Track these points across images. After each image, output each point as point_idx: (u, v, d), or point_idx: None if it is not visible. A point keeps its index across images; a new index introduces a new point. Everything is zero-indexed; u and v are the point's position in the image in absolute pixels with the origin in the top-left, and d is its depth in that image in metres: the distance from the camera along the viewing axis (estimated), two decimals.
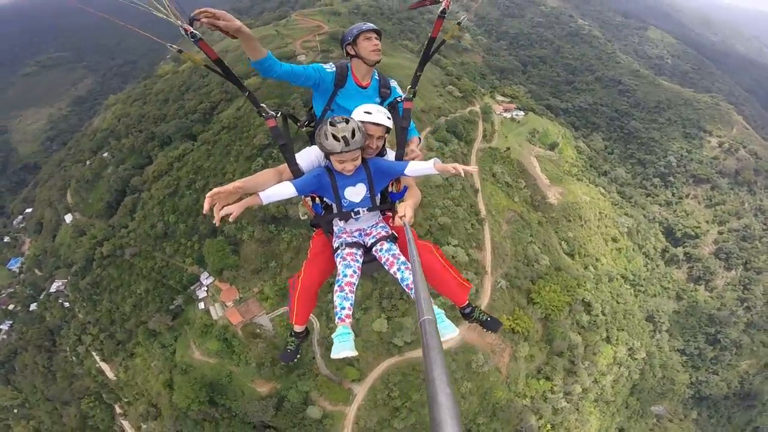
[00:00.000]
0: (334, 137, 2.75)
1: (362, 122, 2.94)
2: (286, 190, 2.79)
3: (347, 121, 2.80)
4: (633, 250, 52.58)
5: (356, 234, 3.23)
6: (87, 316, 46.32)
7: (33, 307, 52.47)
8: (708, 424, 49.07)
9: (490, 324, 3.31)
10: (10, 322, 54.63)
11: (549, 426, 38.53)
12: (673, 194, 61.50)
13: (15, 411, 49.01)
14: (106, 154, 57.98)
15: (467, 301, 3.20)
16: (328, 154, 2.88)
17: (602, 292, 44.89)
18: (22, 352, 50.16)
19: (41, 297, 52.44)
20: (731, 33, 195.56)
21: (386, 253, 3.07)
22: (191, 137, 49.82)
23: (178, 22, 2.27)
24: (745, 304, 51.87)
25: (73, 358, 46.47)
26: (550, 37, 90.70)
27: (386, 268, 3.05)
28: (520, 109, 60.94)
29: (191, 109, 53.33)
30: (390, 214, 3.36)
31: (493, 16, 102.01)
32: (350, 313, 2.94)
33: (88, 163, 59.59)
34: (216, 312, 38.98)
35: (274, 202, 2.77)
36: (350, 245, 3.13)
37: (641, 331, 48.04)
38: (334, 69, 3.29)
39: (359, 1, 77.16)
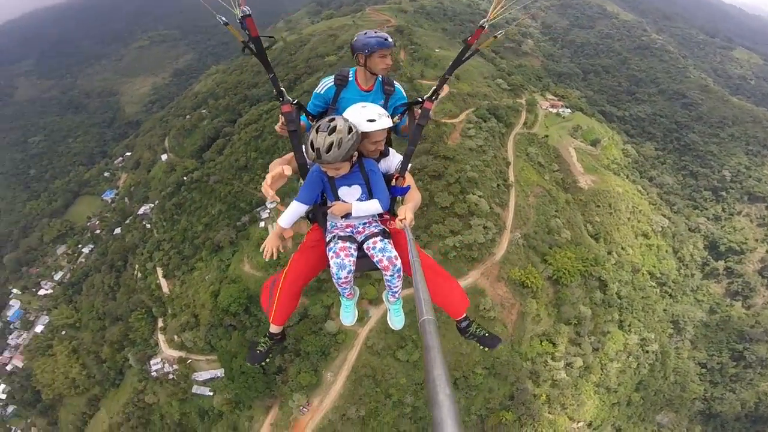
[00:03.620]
0: (312, 145, 2.90)
1: (370, 131, 3.12)
2: (299, 209, 3.23)
3: (332, 131, 2.89)
4: (666, 251, 55.05)
5: (348, 230, 3.37)
6: (164, 234, 56.72)
7: (117, 231, 64.76)
8: None
9: (488, 340, 3.33)
10: (93, 245, 67.14)
11: (545, 396, 39.68)
12: (723, 209, 62.44)
13: (63, 332, 56.22)
14: (204, 111, 74.84)
15: (465, 314, 3.35)
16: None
17: (622, 278, 47.81)
18: (93, 274, 60.29)
19: (127, 222, 65.11)
20: None
21: (380, 253, 3.22)
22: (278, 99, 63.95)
23: (236, 2, 2.56)
24: None
25: (139, 274, 55.13)
26: (618, 49, 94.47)
27: (379, 267, 3.25)
28: (567, 107, 67.05)
29: (279, 78, 68.05)
30: (387, 216, 3.47)
31: (561, 25, 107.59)
32: (351, 291, 3.59)
33: (187, 117, 77.07)
34: (272, 229, 49.75)
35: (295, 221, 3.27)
36: (343, 239, 3.29)
37: (660, 330, 49.51)
38: (332, 80, 3.63)
39: (425, 2, 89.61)
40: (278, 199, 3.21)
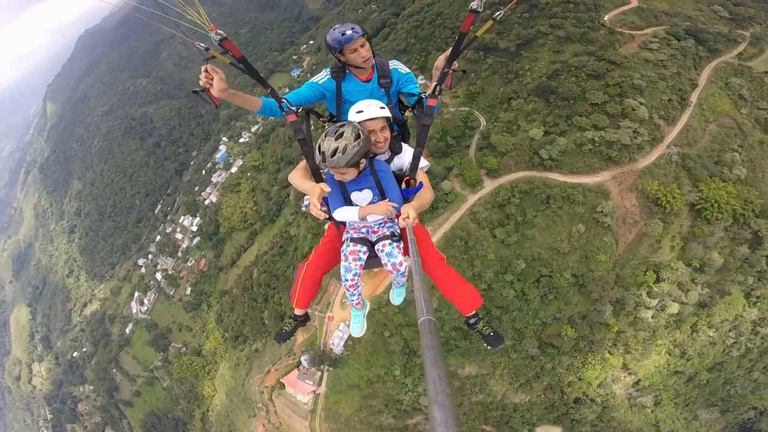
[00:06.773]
0: (319, 149, 3.14)
1: (360, 122, 3.26)
2: (347, 211, 3.54)
3: (339, 137, 3.10)
4: None
5: (363, 230, 3.67)
6: None
7: None
8: None
9: (491, 339, 3.59)
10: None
11: (615, 330, 37.19)
12: None
13: (249, 174, 71.81)
14: (373, 6, 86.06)
15: (474, 311, 3.62)
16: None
17: None
18: (278, 128, 76.64)
19: None
20: None
21: (386, 257, 3.50)
22: None
23: (207, 28, 2.66)
24: None
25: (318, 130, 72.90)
26: None
27: (385, 270, 3.60)
28: None
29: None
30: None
31: None
32: (360, 301, 3.98)
33: (359, 11, 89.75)
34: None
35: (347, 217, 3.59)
36: (355, 241, 3.62)
37: None
38: (328, 73, 3.75)
39: None
40: (327, 217, 3.50)
